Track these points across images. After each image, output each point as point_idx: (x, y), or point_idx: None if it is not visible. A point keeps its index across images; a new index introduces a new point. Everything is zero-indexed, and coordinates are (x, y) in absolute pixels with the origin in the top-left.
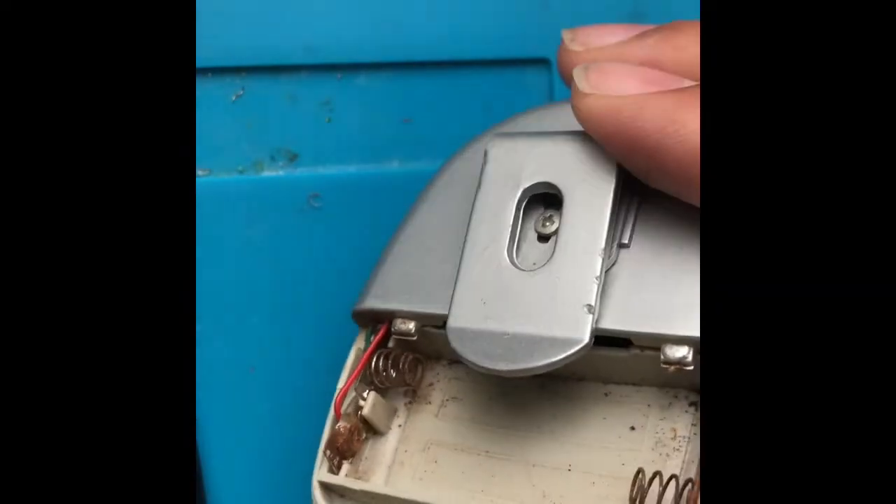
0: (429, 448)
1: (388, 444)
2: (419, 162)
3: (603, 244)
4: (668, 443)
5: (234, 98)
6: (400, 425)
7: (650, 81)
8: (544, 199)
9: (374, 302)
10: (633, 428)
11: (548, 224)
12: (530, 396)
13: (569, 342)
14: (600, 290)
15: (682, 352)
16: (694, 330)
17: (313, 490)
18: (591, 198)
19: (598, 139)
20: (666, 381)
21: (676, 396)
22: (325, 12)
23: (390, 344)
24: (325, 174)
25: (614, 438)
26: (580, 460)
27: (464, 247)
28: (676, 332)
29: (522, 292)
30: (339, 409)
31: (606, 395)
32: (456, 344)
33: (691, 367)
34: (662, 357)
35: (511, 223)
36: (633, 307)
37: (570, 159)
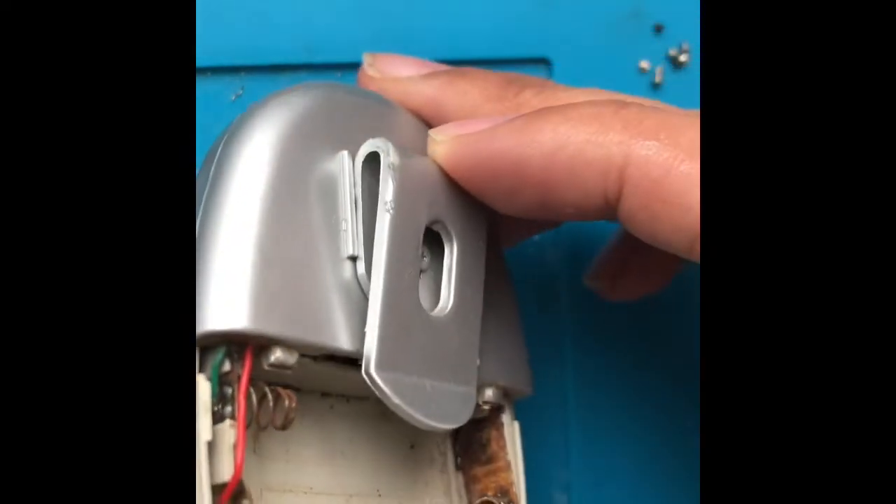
0: (262, 494)
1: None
2: None
3: (482, 298)
4: (437, 458)
5: (233, 98)
6: None
7: (498, 118)
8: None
9: (255, 323)
10: (412, 446)
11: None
12: (326, 419)
13: (468, 395)
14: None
15: (499, 396)
16: (514, 382)
17: None
18: (474, 243)
19: (460, 177)
20: None
21: None
22: (325, 12)
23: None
24: None
25: (401, 457)
26: (384, 484)
27: (374, 279)
28: (505, 382)
29: (437, 341)
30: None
31: (383, 413)
32: (396, 398)
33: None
34: (485, 397)
35: (420, 261)
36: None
37: (458, 197)
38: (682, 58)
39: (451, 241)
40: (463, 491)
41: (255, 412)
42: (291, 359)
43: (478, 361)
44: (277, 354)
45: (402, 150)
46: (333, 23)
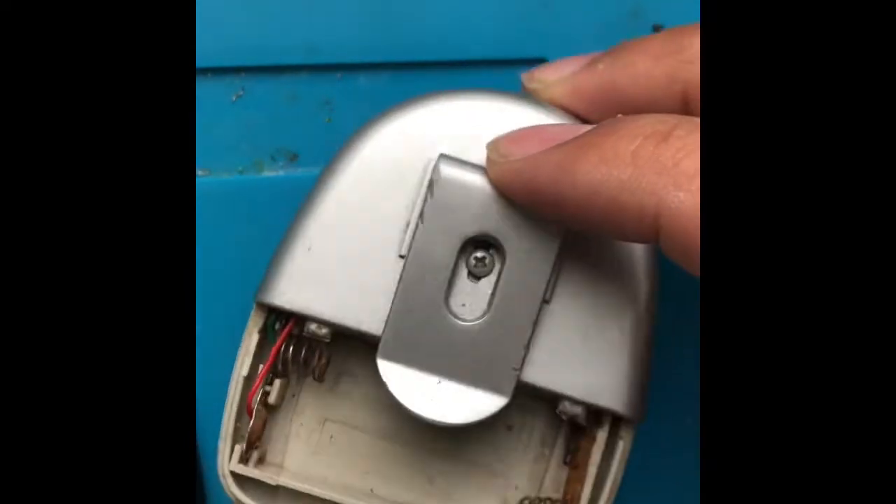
0: (324, 423)
1: (282, 415)
2: None
3: (537, 312)
4: (536, 448)
5: (234, 98)
6: (293, 395)
7: (547, 140)
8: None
9: (286, 298)
10: (510, 427)
11: (480, 266)
12: None
13: (492, 400)
14: (527, 354)
15: (577, 410)
16: (598, 398)
17: (225, 480)
18: (531, 258)
19: (510, 197)
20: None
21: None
22: (325, 12)
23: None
24: None
25: (493, 434)
26: (464, 449)
27: (401, 282)
28: (581, 396)
29: (458, 344)
30: (252, 406)
31: None
32: (392, 384)
33: (584, 424)
34: (560, 407)
35: (451, 270)
36: (548, 363)
37: (516, 212)
38: None
39: (502, 254)
40: (560, 486)
41: (289, 359)
42: (321, 331)
43: (517, 372)
44: (311, 327)
45: (457, 163)
46: (333, 23)
